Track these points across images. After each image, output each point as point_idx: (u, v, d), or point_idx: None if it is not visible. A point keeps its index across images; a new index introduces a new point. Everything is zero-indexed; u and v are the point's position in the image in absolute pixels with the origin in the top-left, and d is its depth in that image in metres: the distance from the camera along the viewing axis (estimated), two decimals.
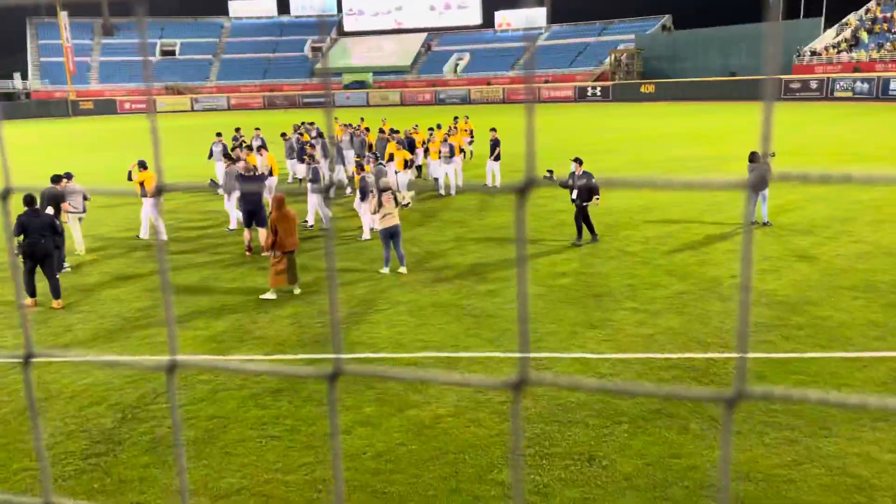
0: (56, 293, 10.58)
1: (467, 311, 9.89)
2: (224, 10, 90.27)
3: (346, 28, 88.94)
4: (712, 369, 7.83)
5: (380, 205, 11.47)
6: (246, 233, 13.47)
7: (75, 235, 13.51)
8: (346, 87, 77.37)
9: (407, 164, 17.58)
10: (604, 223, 15.04)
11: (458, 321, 9.53)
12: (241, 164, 14.41)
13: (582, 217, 13.18)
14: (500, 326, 9.25)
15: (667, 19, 76.89)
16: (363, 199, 13.91)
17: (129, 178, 14.72)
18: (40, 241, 10.21)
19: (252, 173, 14.00)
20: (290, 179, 21.57)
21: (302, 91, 76.73)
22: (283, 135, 22.07)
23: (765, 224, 13.97)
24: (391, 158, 17.37)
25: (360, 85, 76.91)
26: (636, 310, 9.76)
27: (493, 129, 20.44)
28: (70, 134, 47.58)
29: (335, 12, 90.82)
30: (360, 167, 14.71)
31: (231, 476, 6.04)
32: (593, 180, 12.56)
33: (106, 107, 71.86)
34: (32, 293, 10.65)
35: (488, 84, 73.64)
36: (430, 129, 22.24)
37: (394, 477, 5.99)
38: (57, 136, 46.14)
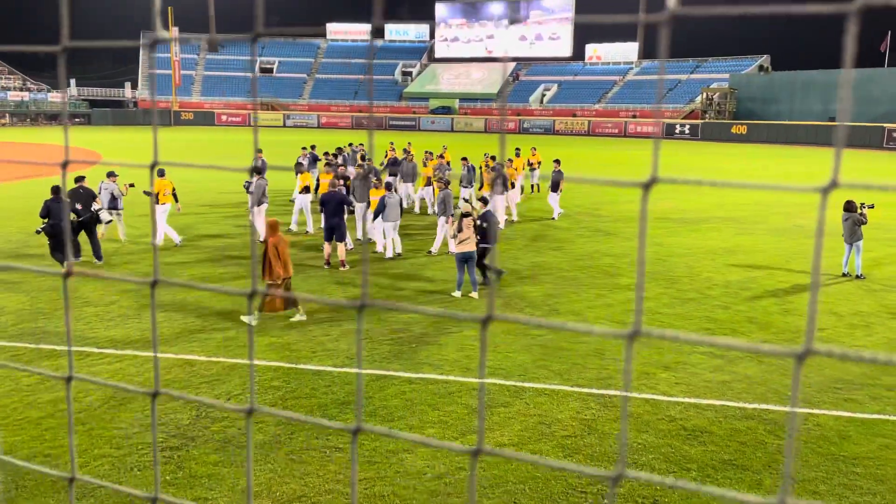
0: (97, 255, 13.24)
1: (537, 342, 9.82)
2: (322, 32, 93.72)
3: (437, 54, 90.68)
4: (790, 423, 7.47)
5: (459, 229, 11.57)
6: (326, 246, 13.86)
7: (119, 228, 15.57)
8: (432, 111, 78.66)
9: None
10: (684, 264, 14.68)
11: (528, 350, 9.47)
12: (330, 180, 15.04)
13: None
14: (570, 360, 9.14)
15: (764, 59, 74.79)
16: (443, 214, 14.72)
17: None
18: (60, 223, 12.30)
19: (335, 189, 14.29)
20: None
21: (390, 113, 78.53)
22: (327, 153, 22.38)
23: (858, 277, 13.29)
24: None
25: (446, 110, 78.02)
26: (712, 355, 9.45)
27: (557, 161, 20.50)
28: (169, 142, 50.20)
29: (428, 38, 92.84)
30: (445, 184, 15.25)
31: (294, 482, 6.18)
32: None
33: (205, 118, 75.63)
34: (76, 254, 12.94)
35: (574, 115, 73.38)
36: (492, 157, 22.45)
37: (451, 500, 5.98)
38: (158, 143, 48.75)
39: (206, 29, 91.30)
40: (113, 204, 14.99)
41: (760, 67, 73.66)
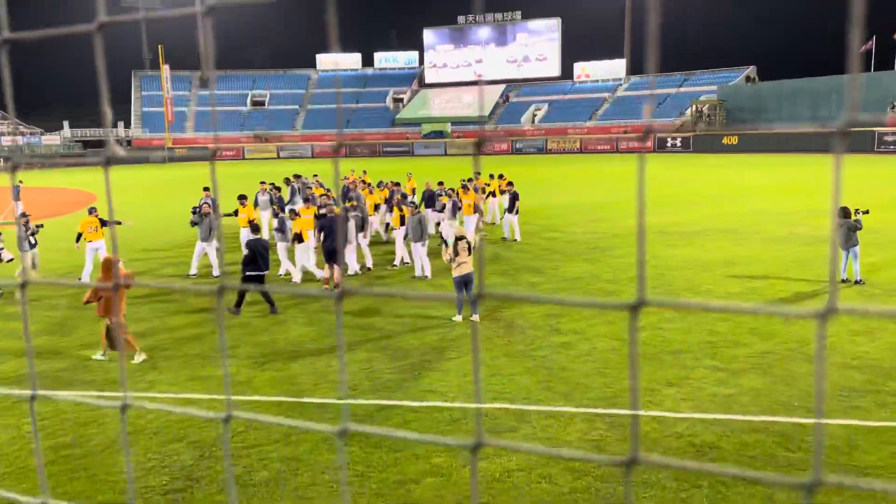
0: None
1: (540, 363, 9.77)
2: (312, 63, 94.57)
3: (427, 80, 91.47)
4: (799, 435, 7.41)
5: (456, 253, 11.57)
6: (326, 269, 14.32)
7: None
8: (425, 136, 79.14)
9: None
10: (683, 277, 14.67)
11: (531, 373, 9.42)
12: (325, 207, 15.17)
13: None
14: (574, 380, 9.09)
15: (751, 70, 75.56)
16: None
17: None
18: None
19: (331, 213, 14.64)
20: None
21: (383, 140, 78.99)
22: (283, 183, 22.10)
23: (857, 282, 13.28)
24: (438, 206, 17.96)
25: (439, 135, 78.51)
26: (716, 368, 9.40)
27: (510, 184, 20.46)
28: (162, 179, 50.33)
29: (416, 65, 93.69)
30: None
31: None
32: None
33: (199, 153, 75.98)
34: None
35: (566, 133, 73.86)
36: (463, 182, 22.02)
37: None
38: (150, 181, 48.89)
39: (197, 65, 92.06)
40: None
41: (747, 78, 74.40)
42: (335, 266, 14.18)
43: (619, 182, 37.35)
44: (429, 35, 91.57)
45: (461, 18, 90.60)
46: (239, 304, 12.91)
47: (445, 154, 73.17)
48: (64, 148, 76.14)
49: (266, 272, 12.87)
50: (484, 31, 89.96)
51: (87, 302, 10.28)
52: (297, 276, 15.25)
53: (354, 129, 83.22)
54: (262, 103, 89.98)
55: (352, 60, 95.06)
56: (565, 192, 33.20)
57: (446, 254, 11.96)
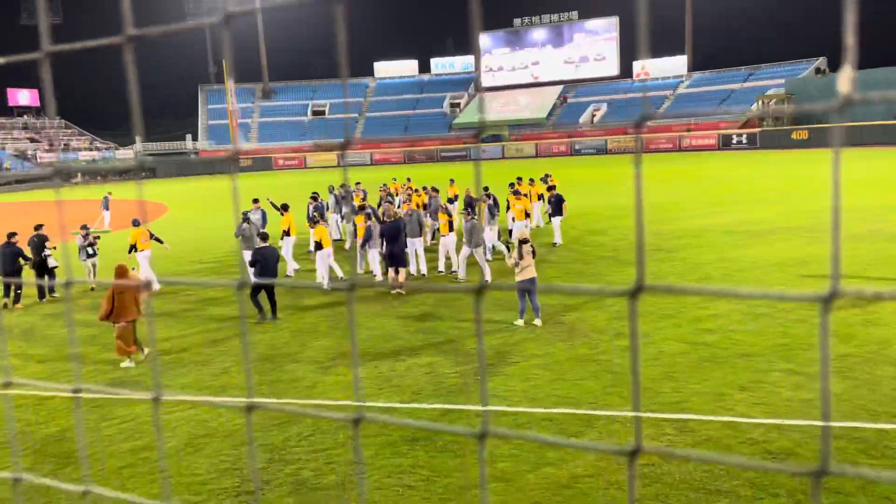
0: None
1: (605, 368, 9.60)
2: (370, 72, 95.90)
3: (484, 84, 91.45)
4: (884, 442, 7.05)
5: (520, 257, 11.44)
6: (390, 272, 14.67)
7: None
8: (482, 140, 79.08)
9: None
10: (753, 278, 14.19)
11: (596, 377, 9.26)
12: (388, 211, 15.49)
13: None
14: (641, 384, 8.88)
15: (821, 62, 72.63)
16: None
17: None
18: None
19: (393, 219, 15.08)
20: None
21: (440, 146, 79.34)
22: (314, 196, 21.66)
23: None
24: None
25: (496, 138, 78.34)
26: (792, 372, 9.04)
27: (553, 187, 20.02)
28: (224, 189, 51.77)
29: (473, 69, 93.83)
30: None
31: None
32: None
33: (263, 163, 77.94)
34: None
35: (625, 133, 72.62)
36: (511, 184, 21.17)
37: None
38: (217, 191, 50.42)
39: (259, 77, 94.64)
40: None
41: (817, 70, 71.54)
42: (400, 269, 14.64)
43: (683, 181, 36.45)
44: (485, 39, 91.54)
45: (517, 21, 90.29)
46: (260, 310, 13.06)
47: (503, 157, 72.94)
48: (137, 161, 79.25)
49: (272, 279, 12.90)
50: (540, 33, 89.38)
51: (103, 317, 10.84)
52: (326, 284, 15.30)
53: (412, 135, 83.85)
54: (323, 112, 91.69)
55: (409, 67, 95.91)
56: (626, 192, 32.61)
57: (510, 258, 11.81)
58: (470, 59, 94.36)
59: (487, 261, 15.85)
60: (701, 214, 23.41)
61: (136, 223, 16.56)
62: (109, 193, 31.18)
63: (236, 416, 8.55)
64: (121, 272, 11.09)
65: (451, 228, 16.24)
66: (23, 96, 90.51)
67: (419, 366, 10.13)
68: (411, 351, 10.82)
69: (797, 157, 49.42)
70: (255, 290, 12.99)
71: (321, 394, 9.27)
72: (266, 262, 12.94)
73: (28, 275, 15.97)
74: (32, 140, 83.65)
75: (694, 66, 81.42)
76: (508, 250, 13.19)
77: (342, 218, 21.90)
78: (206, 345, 11.84)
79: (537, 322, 11.74)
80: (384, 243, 14.87)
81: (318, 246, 15.13)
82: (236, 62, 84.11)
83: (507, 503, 6.32)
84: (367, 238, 15.85)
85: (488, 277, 15.07)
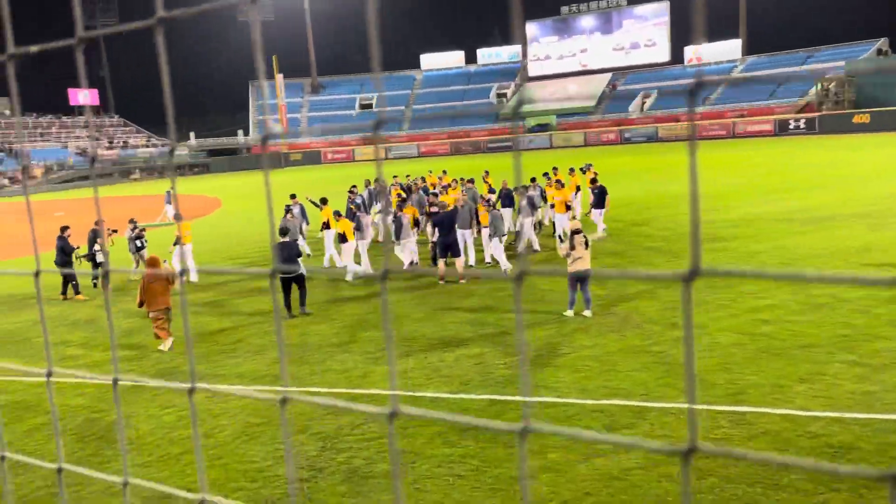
0: None
1: (658, 359, 9.45)
2: (416, 64, 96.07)
3: (531, 73, 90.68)
4: None
5: (572, 247, 11.33)
6: (440, 264, 14.75)
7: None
8: (530, 130, 78.47)
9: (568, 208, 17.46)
10: (812, 266, 13.76)
11: (648, 369, 9.12)
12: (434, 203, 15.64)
13: None
14: (696, 376, 8.71)
15: (882, 43, 69.63)
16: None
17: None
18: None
19: (443, 209, 15.33)
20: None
21: (487, 137, 79.06)
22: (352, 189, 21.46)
23: None
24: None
25: (543, 128, 77.62)
26: (854, 363, 8.74)
27: (594, 179, 19.45)
28: (278, 184, 52.71)
29: (520, 59, 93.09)
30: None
31: None
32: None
33: (312, 158, 79.03)
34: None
35: (677, 121, 71.07)
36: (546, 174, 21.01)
37: None
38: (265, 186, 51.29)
39: (308, 72, 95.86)
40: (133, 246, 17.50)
41: (879, 51, 68.65)
42: (454, 260, 14.89)
43: (737, 168, 35.51)
44: (532, 28, 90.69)
45: (564, 9, 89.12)
46: (287, 307, 13.08)
47: (551, 147, 72.27)
48: (191, 157, 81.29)
49: (294, 272, 12.87)
50: (588, 20, 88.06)
51: (141, 304, 11.51)
52: (350, 276, 15.53)
53: (459, 127, 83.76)
54: (370, 106, 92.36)
55: (455, 58, 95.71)
56: (677, 180, 31.93)
57: (562, 249, 11.71)
58: (517, 48, 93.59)
59: (534, 251, 15.96)
60: (756, 202, 22.79)
61: (178, 217, 17.00)
62: (171, 189, 32.40)
63: (291, 405, 8.71)
64: (151, 263, 11.92)
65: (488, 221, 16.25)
66: (83, 96, 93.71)
67: (468, 356, 10.15)
68: (460, 341, 10.85)
69: (858, 141, 47.57)
70: (282, 285, 13.02)
71: (371, 384, 9.38)
72: (282, 257, 13.09)
73: (83, 267, 16.79)
74: (94, 138, 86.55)
75: (749, 50, 79.09)
76: (562, 241, 13.07)
77: (374, 213, 21.63)
78: (260, 335, 12.10)
79: (587, 313, 11.62)
80: (437, 233, 15.04)
81: (343, 238, 15.65)
82: (285, 58, 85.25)
83: (557, 494, 6.30)
84: (398, 229, 16.14)
85: (505, 267, 15.11)
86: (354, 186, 21.58)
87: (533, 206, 17.58)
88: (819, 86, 64.03)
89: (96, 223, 16.87)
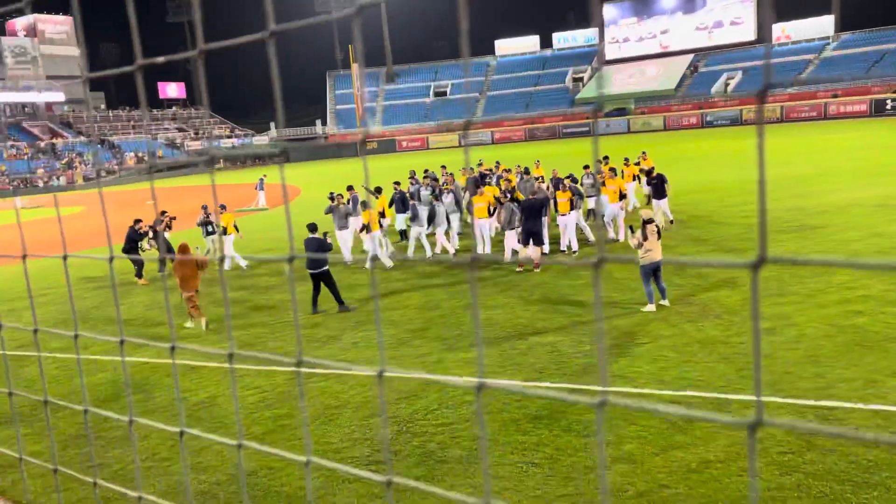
0: None
1: (739, 350, 9.14)
2: (491, 50, 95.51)
3: (608, 56, 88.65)
4: None
5: (645, 238, 11.01)
6: (523, 250, 14.85)
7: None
8: (606, 115, 76.83)
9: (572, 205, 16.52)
10: None
11: (728, 361, 8.85)
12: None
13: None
14: (779, 368, 8.39)
15: None
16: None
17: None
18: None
19: (532, 197, 15.30)
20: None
21: (562, 122, 77.94)
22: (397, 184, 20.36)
23: None
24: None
25: (621, 112, 75.85)
26: None
27: (651, 170, 18.45)
28: (353, 171, 53.66)
29: (596, 42, 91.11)
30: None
31: (495, 499, 6.24)
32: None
33: (387, 146, 79.96)
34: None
35: (762, 102, 67.97)
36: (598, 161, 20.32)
37: None
38: (344, 174, 52.35)
39: (383, 62, 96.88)
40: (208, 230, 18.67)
41: None
42: (537, 247, 14.85)
43: (829, 151, 33.75)
44: (610, 10, 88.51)
45: None
46: (314, 303, 13.13)
47: (629, 132, 70.59)
48: (271, 146, 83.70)
49: (322, 268, 12.90)
50: (670, 0, 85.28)
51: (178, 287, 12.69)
52: (347, 258, 15.80)
53: (534, 112, 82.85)
54: (444, 93, 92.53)
55: (530, 43, 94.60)
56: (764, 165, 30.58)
57: (633, 239, 11.34)
58: (593, 31, 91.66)
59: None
60: (849, 187, 21.62)
61: (223, 207, 18.38)
62: (265, 175, 34.75)
63: (366, 388, 8.93)
64: (181, 249, 12.83)
65: (572, 207, 15.98)
66: (171, 89, 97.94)
67: (542, 345, 10.11)
68: (534, 330, 10.81)
69: None
70: (312, 281, 13.05)
71: (445, 370, 9.48)
72: (309, 251, 13.15)
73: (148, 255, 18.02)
74: (181, 130, 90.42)
75: (842, 27, 74.75)
76: (632, 231, 12.71)
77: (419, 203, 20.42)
78: (339, 320, 12.41)
79: (664, 302, 11.35)
80: (524, 220, 14.96)
81: (367, 228, 16.33)
82: (361, 48, 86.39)
83: (632, 485, 6.21)
84: (431, 217, 16.42)
85: (506, 258, 15.13)
86: (411, 176, 21.63)
87: (580, 196, 17.15)
88: None
89: (162, 213, 17.89)
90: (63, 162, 70.47)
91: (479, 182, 20.11)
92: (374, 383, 9.15)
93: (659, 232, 11.19)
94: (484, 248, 17.07)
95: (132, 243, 17.61)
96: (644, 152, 23.02)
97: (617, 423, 7.38)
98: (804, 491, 5.88)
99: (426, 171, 23.76)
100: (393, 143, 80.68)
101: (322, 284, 13.00)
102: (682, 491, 6.06)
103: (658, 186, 17.63)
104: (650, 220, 11.13)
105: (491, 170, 23.35)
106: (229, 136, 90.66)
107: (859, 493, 5.75)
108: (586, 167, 19.48)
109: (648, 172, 18.82)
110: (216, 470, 7.22)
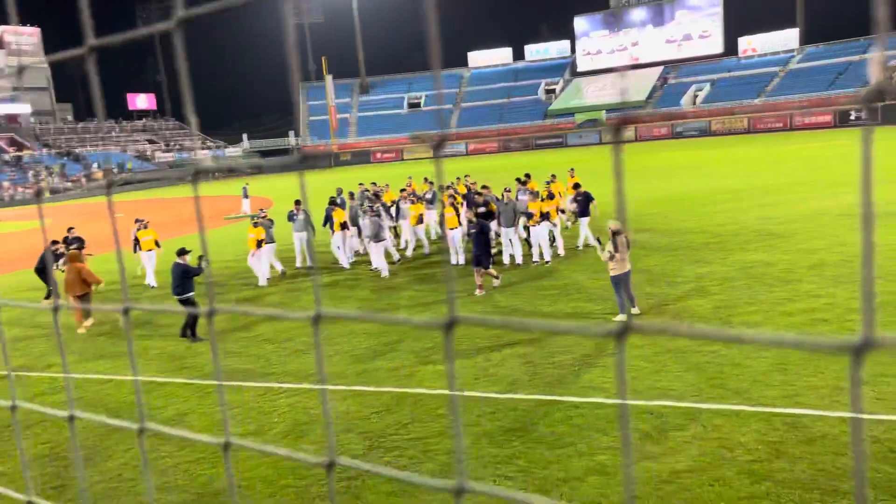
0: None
1: (710, 359, 9.22)
2: (464, 62, 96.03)
3: (580, 68, 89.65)
4: None
5: (616, 249, 11.01)
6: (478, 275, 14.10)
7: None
8: (579, 126, 77.63)
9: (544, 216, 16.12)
10: (886, 256, 13.20)
11: (699, 369, 8.91)
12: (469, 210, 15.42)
13: None
14: (748, 377, 8.48)
15: None
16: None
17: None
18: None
19: (486, 212, 15.03)
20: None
21: (536, 133, 78.52)
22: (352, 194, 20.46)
23: None
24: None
25: (593, 123, 76.67)
26: None
27: (577, 185, 17.50)
28: (326, 182, 53.40)
29: (569, 54, 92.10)
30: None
31: None
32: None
33: (362, 157, 79.82)
34: None
35: (732, 114, 69.30)
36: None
37: None
38: (316, 185, 52.07)
39: (357, 73, 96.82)
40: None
41: None
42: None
43: (795, 162, 34.42)
44: (581, 22, 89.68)
45: (613, 1, 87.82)
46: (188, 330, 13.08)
47: (600, 143, 71.34)
48: (244, 157, 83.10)
49: (185, 295, 12.63)
50: (639, 13, 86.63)
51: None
52: (261, 278, 16.64)
53: (507, 124, 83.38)
54: (418, 105, 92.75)
55: (503, 55, 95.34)
56: (732, 175, 31.13)
57: (603, 252, 11.27)
58: (565, 44, 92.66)
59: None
60: (815, 196, 22.05)
61: (139, 222, 18.10)
62: (247, 185, 35.45)
63: (338, 403, 8.83)
64: (72, 258, 13.87)
65: (543, 218, 15.92)
66: (141, 100, 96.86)
67: (514, 357, 10.10)
68: (507, 342, 10.79)
69: None
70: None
71: (418, 383, 9.41)
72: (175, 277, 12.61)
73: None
74: (151, 141, 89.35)
75: (806, 39, 76.54)
76: (599, 243, 12.76)
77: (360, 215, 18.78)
78: (308, 335, 12.28)
79: (635, 310, 11.42)
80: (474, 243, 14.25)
81: (259, 244, 16.82)
82: (334, 59, 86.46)
83: (605, 497, 6.20)
84: (377, 231, 16.62)
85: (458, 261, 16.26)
86: (333, 197, 19.89)
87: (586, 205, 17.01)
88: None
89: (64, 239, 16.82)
90: (31, 174, 69.20)
91: (470, 198, 18.76)
92: (345, 397, 9.06)
93: (629, 243, 11.25)
94: (457, 258, 17.06)
95: (44, 264, 16.43)
96: (572, 169, 21.39)
97: (590, 433, 7.38)
98: (774, 499, 5.92)
99: (361, 184, 22.45)
100: (368, 153, 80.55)
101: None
102: (654, 502, 6.06)
103: (583, 204, 16.93)
104: (619, 232, 11.16)
105: (452, 183, 22.95)
106: (200, 149, 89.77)
107: (828, 501, 5.80)
108: (524, 180, 19.52)
109: (575, 186, 17.63)
110: (183, 490, 7.07)
